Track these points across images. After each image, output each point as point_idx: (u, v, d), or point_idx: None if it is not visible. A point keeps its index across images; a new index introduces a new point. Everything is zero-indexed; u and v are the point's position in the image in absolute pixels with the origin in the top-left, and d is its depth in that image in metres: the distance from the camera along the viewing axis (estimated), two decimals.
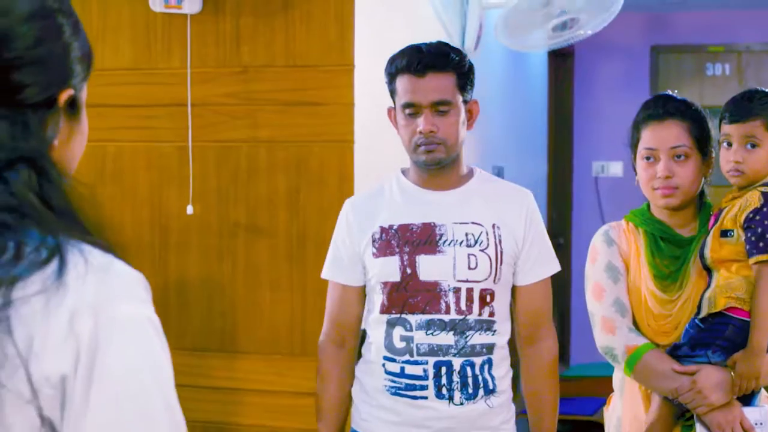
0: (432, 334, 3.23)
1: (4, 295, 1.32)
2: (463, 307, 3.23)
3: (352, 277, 3.39)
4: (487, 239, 3.26)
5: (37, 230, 1.38)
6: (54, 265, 1.35)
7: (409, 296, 3.25)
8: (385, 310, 3.29)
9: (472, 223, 3.28)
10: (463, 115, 3.27)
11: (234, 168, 4.38)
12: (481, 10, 5.49)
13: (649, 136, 3.30)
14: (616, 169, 9.16)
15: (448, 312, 3.23)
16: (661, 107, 3.32)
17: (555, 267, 3.41)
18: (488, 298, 3.26)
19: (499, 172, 6.51)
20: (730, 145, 3.23)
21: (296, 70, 4.28)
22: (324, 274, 3.46)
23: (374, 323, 3.34)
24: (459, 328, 3.23)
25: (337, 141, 4.23)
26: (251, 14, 4.32)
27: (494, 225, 3.28)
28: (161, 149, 4.46)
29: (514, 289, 3.36)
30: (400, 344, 3.27)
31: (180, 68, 4.40)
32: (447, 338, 3.23)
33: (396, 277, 3.26)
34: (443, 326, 3.23)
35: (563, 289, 8.56)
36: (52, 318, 1.34)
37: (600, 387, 4.86)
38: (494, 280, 3.26)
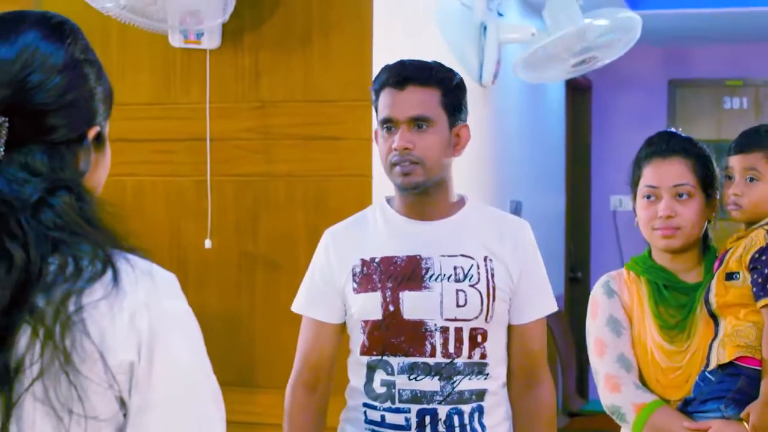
0: (415, 378, 2.94)
1: (76, 302, 1.59)
2: (450, 348, 2.94)
3: (329, 313, 3.09)
4: (478, 273, 2.97)
5: (86, 245, 1.64)
6: (109, 273, 1.64)
7: (391, 336, 2.96)
8: (365, 351, 3.00)
9: (462, 255, 2.99)
10: (447, 137, 2.99)
11: (252, 202, 4.39)
12: (499, 45, 5.51)
13: (650, 173, 3.15)
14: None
15: (433, 355, 2.93)
16: (664, 143, 3.17)
17: (552, 305, 3.14)
18: (479, 339, 2.97)
19: (517, 207, 6.51)
20: (730, 178, 3.12)
21: (315, 105, 4.29)
22: (296, 308, 3.18)
23: (354, 365, 3.07)
24: (445, 372, 2.93)
25: (355, 175, 4.23)
26: (270, 50, 4.34)
27: (486, 258, 3.00)
28: (180, 183, 4.47)
29: (508, 328, 3.07)
30: (380, 389, 2.98)
31: (199, 103, 4.42)
32: (432, 384, 2.93)
33: (377, 314, 2.97)
34: (428, 370, 2.93)
35: (581, 321, 8.52)
36: (116, 318, 1.62)
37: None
38: (486, 319, 2.97)
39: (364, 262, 3.02)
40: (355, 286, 3.01)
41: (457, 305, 2.95)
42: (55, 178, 1.66)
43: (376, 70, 4.20)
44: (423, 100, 2.96)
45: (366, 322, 2.99)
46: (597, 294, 3.23)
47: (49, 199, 1.64)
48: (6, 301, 1.57)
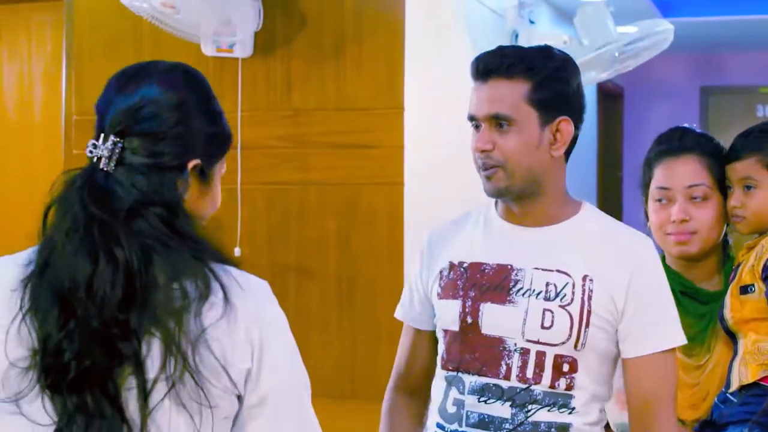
0: (485, 401, 2.57)
1: (197, 323, 1.84)
2: (528, 373, 2.54)
3: (422, 319, 2.79)
4: (572, 293, 2.54)
5: (182, 257, 1.89)
6: (219, 291, 1.88)
7: (466, 351, 2.61)
8: (444, 364, 2.67)
9: (557, 271, 2.57)
10: (536, 136, 2.56)
11: (284, 210, 4.39)
12: None
13: (662, 174, 2.88)
14: None
15: (507, 377, 2.56)
16: (676, 141, 2.88)
17: (673, 339, 2.59)
18: (565, 368, 2.55)
19: None
20: (730, 188, 2.84)
21: (346, 113, 4.30)
22: (396, 313, 2.90)
23: (436, 380, 2.72)
24: (519, 399, 2.55)
25: (387, 183, 4.23)
26: (302, 58, 4.35)
27: (585, 277, 2.55)
28: None
29: (623, 363, 2.61)
30: (451, 409, 2.64)
31: (231, 111, 4.43)
32: (502, 409, 2.56)
33: (455, 325, 2.63)
34: (499, 394, 2.56)
35: None
36: (233, 334, 1.88)
37: None
38: (575, 346, 2.53)
39: (452, 266, 2.69)
40: (440, 291, 2.70)
41: (542, 326, 2.55)
42: (151, 195, 1.91)
43: (407, 79, 4.22)
44: (504, 95, 2.56)
45: (446, 332, 2.67)
46: None
47: (143, 211, 1.89)
48: (118, 298, 1.82)
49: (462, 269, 2.66)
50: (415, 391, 2.84)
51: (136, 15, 4.53)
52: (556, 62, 2.60)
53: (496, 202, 2.70)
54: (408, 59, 4.24)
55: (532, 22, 5.79)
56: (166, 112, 1.97)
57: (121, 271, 1.83)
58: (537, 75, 2.55)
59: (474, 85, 2.62)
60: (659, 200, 2.89)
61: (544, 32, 5.79)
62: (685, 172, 2.84)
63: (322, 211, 4.35)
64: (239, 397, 1.92)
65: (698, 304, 2.87)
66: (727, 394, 2.72)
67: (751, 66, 9.22)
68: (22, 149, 5.14)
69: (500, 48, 2.61)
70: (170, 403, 1.84)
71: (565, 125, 2.58)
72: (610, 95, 8.92)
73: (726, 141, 2.92)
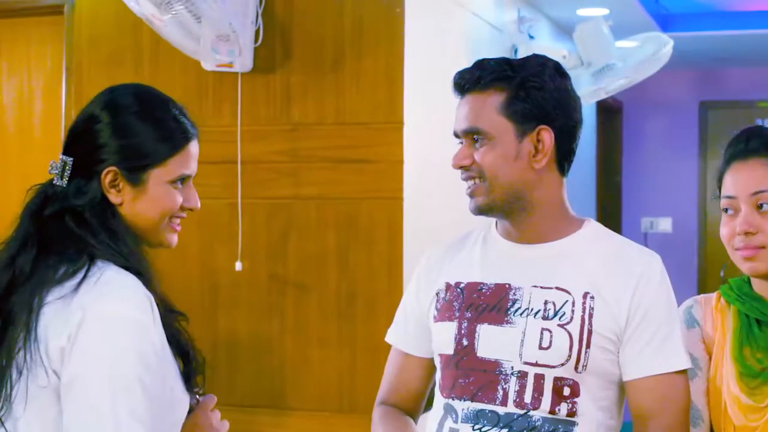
0: (480, 429, 2.41)
1: (43, 297, 2.10)
2: (526, 398, 2.38)
3: (415, 344, 2.64)
4: (572, 312, 2.40)
5: (76, 252, 2.14)
6: (76, 278, 2.10)
7: (460, 376, 2.45)
8: (440, 390, 2.51)
9: (557, 288, 2.43)
10: (513, 148, 2.43)
11: (283, 225, 4.40)
12: None
13: (729, 181, 2.50)
14: (665, 225, 9.11)
15: (504, 403, 2.39)
16: (743, 143, 2.52)
17: (678, 363, 2.41)
18: (566, 392, 2.38)
19: None
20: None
21: (346, 127, 4.30)
22: (387, 337, 2.75)
23: (434, 407, 2.56)
24: (516, 426, 2.38)
25: (386, 198, 4.24)
26: (301, 73, 4.35)
27: (586, 294, 2.41)
28: (211, 206, 4.48)
29: (624, 387, 2.46)
30: None
31: (230, 126, 4.43)
32: None
33: (449, 348, 2.49)
34: (495, 421, 2.39)
35: None
36: (60, 314, 2.08)
37: None
38: (576, 368, 2.38)
39: (448, 287, 2.55)
40: (436, 313, 2.56)
41: (540, 347, 2.39)
42: (67, 201, 2.21)
43: (407, 93, 4.23)
44: (479, 108, 2.45)
45: (441, 356, 2.52)
46: None
47: (58, 215, 2.20)
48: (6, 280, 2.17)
49: (459, 290, 2.52)
50: (405, 409, 2.67)
51: (135, 29, 4.54)
52: (532, 69, 2.47)
53: (496, 222, 2.59)
54: (407, 74, 4.24)
55: (531, 37, 5.81)
56: (79, 128, 2.23)
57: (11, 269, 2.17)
58: (510, 85, 2.44)
59: (456, 101, 2.55)
60: (726, 210, 2.51)
61: (543, 47, 5.81)
62: (750, 178, 2.46)
63: (322, 225, 4.35)
64: (56, 372, 2.07)
65: None
66: None
67: (749, 80, 9.23)
68: (21, 163, 5.14)
69: (479, 61, 2.52)
70: (2, 357, 2.10)
71: (546, 135, 2.44)
72: (608, 110, 8.92)
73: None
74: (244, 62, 4.31)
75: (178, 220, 2.35)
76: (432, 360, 2.60)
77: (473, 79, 2.47)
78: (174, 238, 2.38)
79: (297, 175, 4.37)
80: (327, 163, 4.33)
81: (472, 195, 2.48)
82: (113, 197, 2.21)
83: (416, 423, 2.66)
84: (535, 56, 2.53)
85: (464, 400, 2.43)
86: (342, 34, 4.31)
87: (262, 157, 4.41)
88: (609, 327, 2.40)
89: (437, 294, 2.57)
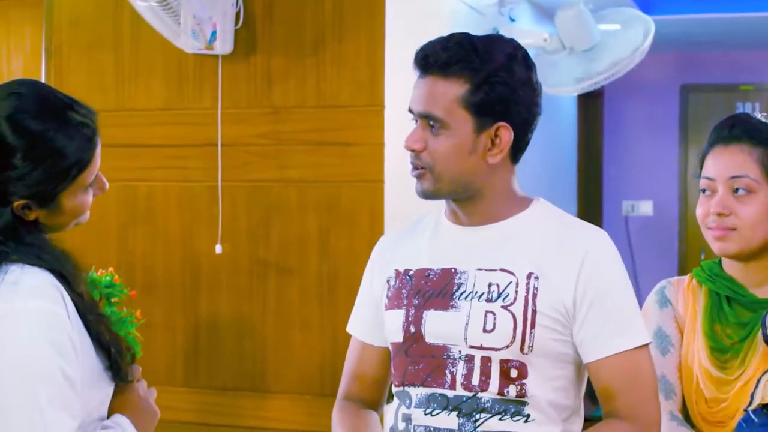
0: (431, 414, 2.39)
1: None
2: (474, 381, 2.36)
3: (371, 333, 2.61)
4: (516, 293, 2.36)
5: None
6: None
7: (410, 363, 2.43)
8: (394, 378, 2.50)
9: (501, 270, 2.38)
10: (469, 142, 2.37)
11: (264, 208, 4.39)
12: None
13: (710, 163, 2.60)
14: (646, 208, 9.12)
15: (453, 387, 2.37)
16: (727, 129, 2.61)
17: (636, 338, 2.37)
18: (513, 374, 2.35)
19: None
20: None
21: (327, 110, 4.30)
22: (348, 327, 2.73)
23: (393, 395, 2.54)
24: (465, 408, 2.36)
25: (367, 181, 4.23)
26: (282, 55, 4.34)
27: (530, 274, 2.36)
28: (192, 189, 4.48)
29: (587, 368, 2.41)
30: (401, 426, 2.45)
31: (211, 108, 4.42)
32: (449, 420, 2.37)
33: (399, 336, 2.46)
34: (444, 404, 2.38)
35: None
36: None
37: None
38: (522, 349, 2.34)
39: (398, 274, 2.51)
40: (386, 301, 2.52)
41: (484, 330, 2.35)
42: None
43: (388, 76, 4.22)
44: (439, 95, 2.37)
45: (392, 344, 2.49)
46: (649, 302, 2.73)
47: None
48: None
49: (407, 277, 2.49)
50: (368, 401, 2.64)
51: (116, 12, 4.52)
52: (500, 60, 2.37)
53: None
54: (388, 56, 4.24)
55: (512, 20, 5.80)
56: None
57: None
58: (476, 76, 2.35)
59: (415, 77, 2.45)
60: (703, 191, 2.62)
61: (524, 30, 5.80)
62: (729, 162, 2.57)
63: (303, 208, 4.34)
64: None
65: (744, 310, 2.60)
66: (750, 413, 2.50)
67: (731, 64, 9.23)
68: None
69: (444, 39, 2.41)
70: None
71: (504, 132, 2.38)
72: (589, 94, 8.90)
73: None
74: (224, 45, 4.30)
75: (93, 197, 2.32)
76: (389, 348, 2.55)
77: (439, 62, 2.37)
78: (87, 216, 2.32)
79: (278, 158, 4.36)
80: (308, 146, 4.32)
81: (417, 179, 2.43)
82: (28, 216, 2.19)
83: (380, 413, 2.64)
84: (503, 43, 2.43)
85: (416, 386, 2.41)
86: (323, 17, 4.30)
87: (242, 140, 4.40)
88: (554, 307, 2.35)
89: (388, 281, 2.53)
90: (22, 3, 5.23)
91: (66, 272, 2.16)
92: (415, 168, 2.42)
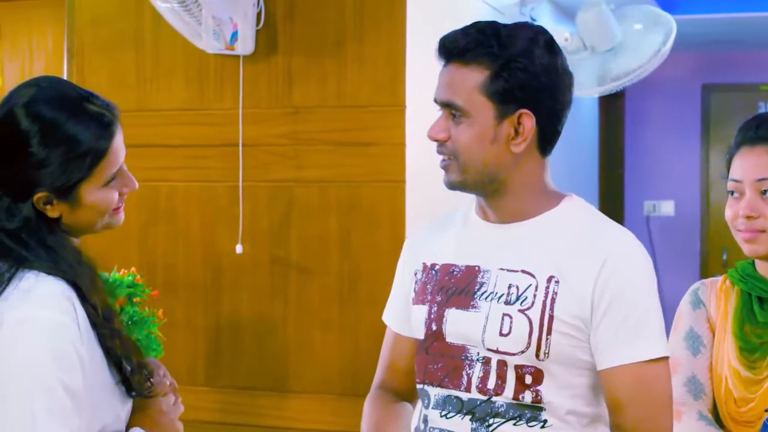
0: (446, 416, 2.35)
1: None
2: (489, 385, 2.30)
3: (403, 324, 2.55)
4: (534, 296, 2.28)
5: (6, 264, 2.13)
6: (1, 288, 2.10)
7: (430, 361, 2.40)
8: (416, 375, 2.47)
9: (522, 271, 2.31)
10: (490, 130, 2.30)
11: (285, 208, 4.39)
12: None
13: (737, 165, 2.61)
14: (667, 208, 9.10)
15: (468, 389, 2.32)
16: (752, 130, 2.60)
17: (653, 350, 2.26)
18: (528, 379, 2.28)
19: None
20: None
21: (348, 110, 4.29)
22: (383, 315, 2.67)
23: None
24: (479, 412, 2.31)
25: (388, 181, 4.23)
26: (303, 55, 4.34)
27: (551, 278, 2.28)
28: (213, 189, 4.48)
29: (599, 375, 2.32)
30: (421, 426, 2.43)
31: (232, 109, 4.42)
32: (462, 424, 2.33)
33: (421, 333, 2.42)
34: (459, 407, 2.33)
35: None
36: None
37: None
38: (537, 355, 2.27)
39: (425, 268, 2.48)
40: (413, 295, 2.49)
41: (500, 333, 2.29)
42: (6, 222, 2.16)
43: (409, 76, 4.22)
44: (459, 82, 2.31)
45: (417, 340, 2.45)
46: (683, 303, 2.73)
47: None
48: None
49: (433, 272, 2.44)
50: (403, 392, 2.59)
51: (137, 12, 4.53)
52: (521, 45, 2.30)
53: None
54: (409, 56, 4.23)
55: (533, 20, 5.79)
56: (4, 143, 2.17)
57: None
58: (495, 62, 2.28)
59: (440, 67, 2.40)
60: (731, 193, 2.62)
61: None
62: (757, 164, 2.57)
63: (324, 208, 4.34)
64: None
65: None
66: None
67: (752, 64, 9.20)
68: None
69: (466, 28, 2.36)
70: None
71: (527, 119, 2.30)
72: (610, 93, 8.90)
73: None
74: (245, 45, 4.30)
75: (120, 201, 2.30)
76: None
77: (458, 49, 2.33)
78: (120, 218, 2.33)
79: (299, 158, 4.37)
80: (329, 146, 4.32)
81: (445, 170, 2.37)
82: (50, 212, 2.19)
83: (414, 403, 2.60)
84: (526, 29, 2.35)
85: (434, 386, 2.38)
86: (343, 17, 4.30)
87: (263, 140, 4.41)
88: (573, 312, 2.26)
89: (415, 274, 2.50)
90: (44, 3, 5.24)
91: (81, 283, 2.15)
92: (443, 158, 2.37)
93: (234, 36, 4.26)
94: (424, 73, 4.39)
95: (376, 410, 2.57)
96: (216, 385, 4.49)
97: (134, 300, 3.70)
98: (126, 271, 3.75)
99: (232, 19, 4.20)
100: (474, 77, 2.29)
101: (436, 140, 2.35)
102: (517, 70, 2.28)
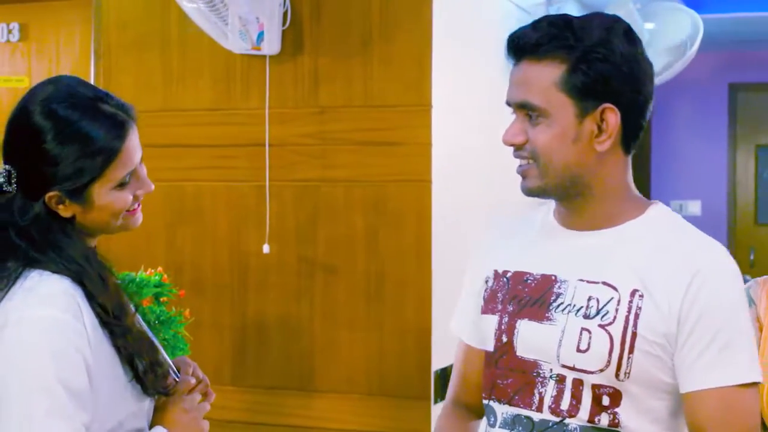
0: None
1: None
2: (563, 405, 2.14)
3: (471, 333, 2.40)
4: (617, 311, 2.11)
5: (14, 263, 2.14)
6: (7, 286, 2.12)
7: (498, 376, 2.24)
8: (482, 390, 2.32)
9: (603, 283, 2.15)
10: (573, 128, 2.14)
11: (311, 207, 4.39)
12: None
13: None
14: (694, 208, 9.07)
15: (540, 409, 2.16)
16: None
17: (742, 374, 2.09)
18: (606, 400, 2.11)
19: None
20: None
21: (374, 110, 4.29)
22: (451, 323, 2.52)
23: None
24: None
25: (414, 180, 4.23)
26: (329, 55, 4.34)
27: (635, 291, 2.11)
28: (239, 189, 4.49)
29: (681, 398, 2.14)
30: None
31: (258, 109, 4.43)
32: None
33: (490, 345, 2.27)
34: (529, 428, 2.17)
35: None
36: None
37: None
38: (617, 375, 2.10)
39: (496, 275, 2.32)
40: (482, 303, 2.33)
41: (578, 349, 2.13)
42: (19, 218, 2.17)
43: (435, 75, 4.22)
44: (533, 80, 2.15)
45: (485, 352, 2.30)
46: None
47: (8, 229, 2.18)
48: None
49: (505, 279, 2.28)
50: (472, 409, 2.44)
51: (163, 12, 4.54)
52: (598, 35, 2.13)
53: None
54: (435, 56, 4.23)
55: None
56: (19, 141, 2.19)
57: None
58: (571, 55, 2.12)
59: (510, 67, 2.22)
60: None
61: None
62: None
63: (350, 208, 4.34)
64: None
65: None
66: None
67: None
68: None
69: (537, 22, 2.18)
70: None
71: (611, 114, 2.14)
72: None
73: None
74: (272, 45, 4.31)
75: (136, 204, 2.30)
76: None
77: (530, 44, 2.15)
78: (137, 220, 2.32)
79: (325, 158, 4.37)
80: (355, 146, 4.32)
81: (523, 176, 2.21)
82: (62, 212, 2.21)
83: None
84: (601, 17, 2.19)
85: (502, 403, 2.23)
86: (370, 17, 4.30)
87: (289, 139, 4.41)
88: (657, 330, 2.09)
89: (486, 281, 2.33)
90: (72, 4, 5.26)
91: (88, 281, 2.16)
92: (521, 162, 2.20)
93: (260, 36, 4.26)
94: (450, 73, 4.39)
95: (448, 430, 2.46)
96: (242, 385, 4.50)
97: (161, 299, 3.72)
98: (153, 270, 3.76)
99: (259, 20, 4.20)
100: (550, 73, 2.13)
101: (512, 145, 2.19)
102: (596, 61, 2.12)
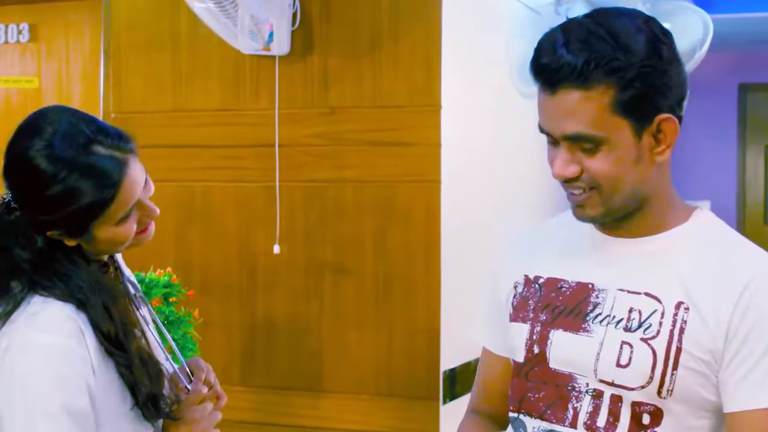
0: None
1: None
2: (599, 422, 2.02)
3: (495, 341, 2.30)
4: (660, 324, 1.98)
5: (20, 286, 2.14)
6: (10, 311, 2.11)
7: (530, 389, 2.13)
8: (510, 401, 2.20)
9: (646, 294, 2.02)
10: (633, 148, 1.99)
11: (321, 208, 4.39)
12: None
13: None
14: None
15: (574, 425, 2.05)
16: None
17: None
18: (646, 419, 1.99)
19: None
20: None
21: (383, 110, 4.29)
22: (473, 330, 2.42)
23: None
24: None
25: (423, 181, 4.23)
26: (339, 55, 4.34)
27: (680, 304, 1.98)
28: (249, 189, 4.49)
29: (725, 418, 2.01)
30: None
31: (268, 109, 4.43)
32: None
33: (520, 355, 2.15)
34: None
35: None
36: None
37: None
38: (660, 392, 1.98)
39: (527, 281, 2.20)
40: (511, 310, 2.21)
41: (618, 363, 2.00)
42: (19, 252, 2.17)
43: (444, 76, 4.21)
44: (582, 109, 1.95)
45: (514, 362, 2.19)
46: None
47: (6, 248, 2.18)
48: None
49: (537, 286, 2.16)
50: (497, 414, 2.32)
51: (173, 13, 4.55)
52: (644, 46, 1.95)
53: None
54: (445, 56, 4.23)
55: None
56: (22, 179, 2.16)
57: None
58: (621, 76, 1.93)
59: (539, 94, 2.02)
60: None
61: None
62: None
63: (359, 208, 4.34)
64: None
65: None
66: None
67: None
68: None
69: (566, 42, 1.97)
70: None
71: (667, 124, 2.02)
72: None
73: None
74: (281, 46, 4.31)
75: (143, 226, 2.28)
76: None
77: (572, 71, 1.94)
78: (148, 236, 2.31)
79: (334, 159, 4.37)
80: (364, 146, 4.32)
81: (582, 205, 2.05)
82: (67, 242, 2.20)
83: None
84: (633, 20, 2.00)
85: (533, 417, 2.11)
86: (379, 17, 4.30)
87: (299, 140, 4.41)
88: (704, 346, 1.97)
89: (515, 287, 2.22)
90: (81, 6, 5.27)
91: (92, 312, 2.14)
92: (578, 193, 2.04)
93: (270, 37, 4.26)
94: (459, 74, 4.39)
95: None
96: (251, 385, 4.50)
97: (170, 300, 3.72)
98: (162, 271, 3.77)
99: (268, 20, 4.21)
100: (600, 98, 1.94)
101: (567, 179, 2.03)
102: (647, 75, 1.95)
